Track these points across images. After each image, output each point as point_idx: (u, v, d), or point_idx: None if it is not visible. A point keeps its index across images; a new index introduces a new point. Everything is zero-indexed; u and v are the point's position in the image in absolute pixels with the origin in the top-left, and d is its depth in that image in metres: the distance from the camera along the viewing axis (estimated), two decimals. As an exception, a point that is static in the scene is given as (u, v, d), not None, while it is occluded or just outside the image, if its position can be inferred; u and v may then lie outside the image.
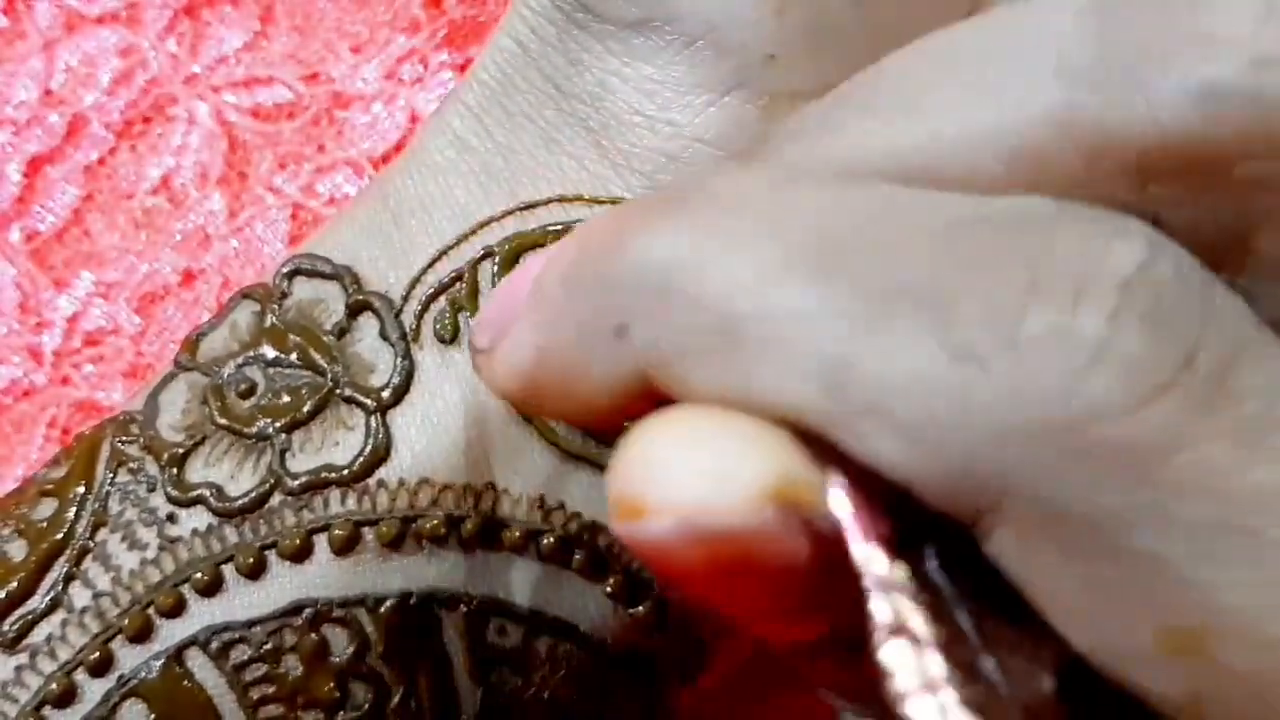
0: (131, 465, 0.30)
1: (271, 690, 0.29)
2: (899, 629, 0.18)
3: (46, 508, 0.30)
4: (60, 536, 0.30)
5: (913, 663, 0.18)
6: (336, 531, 0.29)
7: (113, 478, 0.30)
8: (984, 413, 0.18)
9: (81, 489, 0.30)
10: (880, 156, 0.21)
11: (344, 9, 0.42)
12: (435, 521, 0.29)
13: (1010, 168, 0.20)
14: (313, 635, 0.29)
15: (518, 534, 0.29)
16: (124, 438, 0.30)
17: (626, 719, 0.31)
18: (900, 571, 0.19)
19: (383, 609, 0.29)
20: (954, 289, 0.18)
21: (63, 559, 0.29)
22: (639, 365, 0.20)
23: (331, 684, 0.29)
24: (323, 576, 0.29)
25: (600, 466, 0.30)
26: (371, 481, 0.29)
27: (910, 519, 0.19)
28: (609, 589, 0.30)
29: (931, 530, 0.19)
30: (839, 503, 0.19)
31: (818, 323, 0.19)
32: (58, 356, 0.41)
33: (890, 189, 0.20)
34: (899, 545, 0.19)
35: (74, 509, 0.30)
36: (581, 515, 0.30)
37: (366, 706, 0.29)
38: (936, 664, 0.18)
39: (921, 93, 0.21)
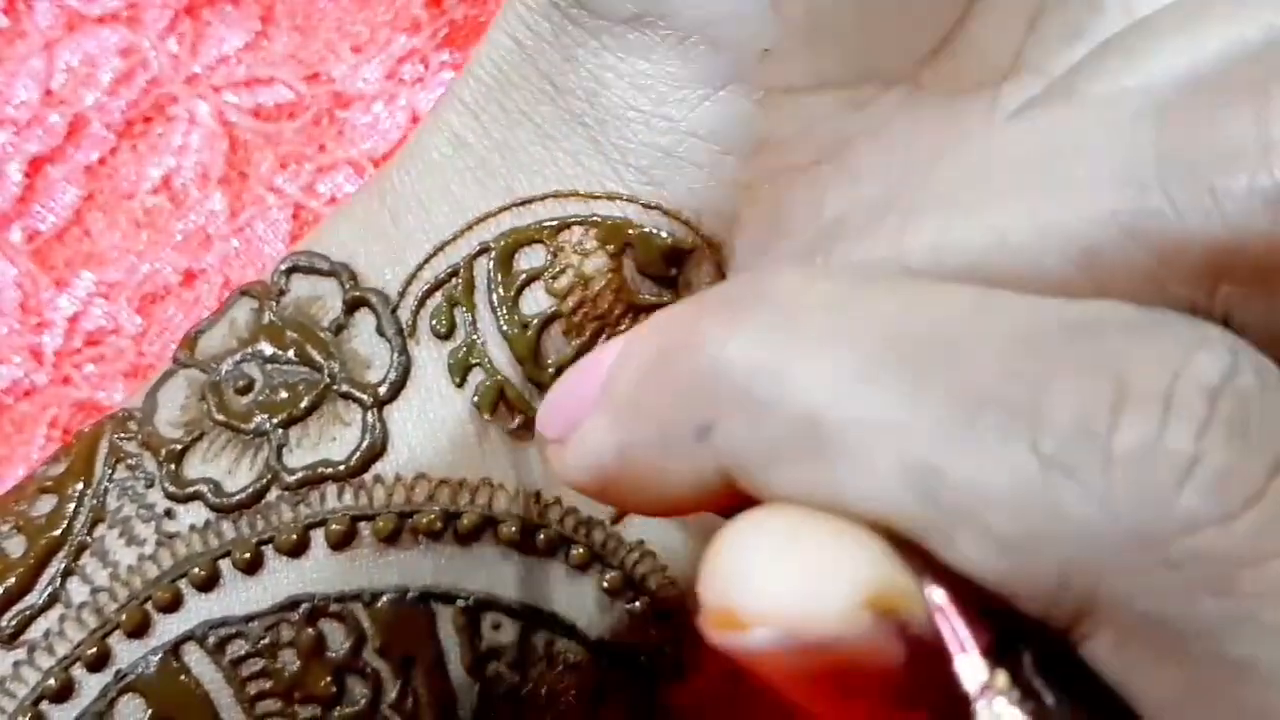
0: (130, 461, 0.30)
1: (268, 685, 0.29)
2: None
3: (45, 504, 0.30)
4: (59, 532, 0.30)
5: None
6: (333, 527, 0.29)
7: (111, 474, 0.30)
8: (1078, 523, 0.18)
9: (80, 485, 0.30)
10: (948, 256, 0.21)
11: (345, 9, 0.42)
12: (431, 517, 0.29)
13: (1080, 269, 0.21)
14: (309, 630, 0.29)
15: (513, 529, 0.30)
16: (122, 434, 0.31)
17: (622, 715, 0.31)
18: (1001, 679, 0.19)
19: (379, 604, 0.29)
20: (1042, 398, 0.19)
21: (61, 555, 0.29)
22: (721, 466, 0.20)
23: (328, 679, 0.29)
24: (319, 572, 0.29)
25: None
26: (368, 477, 0.29)
27: (1005, 621, 0.19)
28: (605, 584, 0.30)
29: (1027, 632, 0.19)
30: (937, 610, 0.19)
31: (906, 429, 0.19)
32: (58, 356, 0.41)
33: (967, 290, 0.20)
34: (996, 649, 0.19)
35: (72, 505, 0.30)
36: (577, 511, 0.30)
37: (363, 702, 0.29)
38: None
39: (984, 193, 0.22)
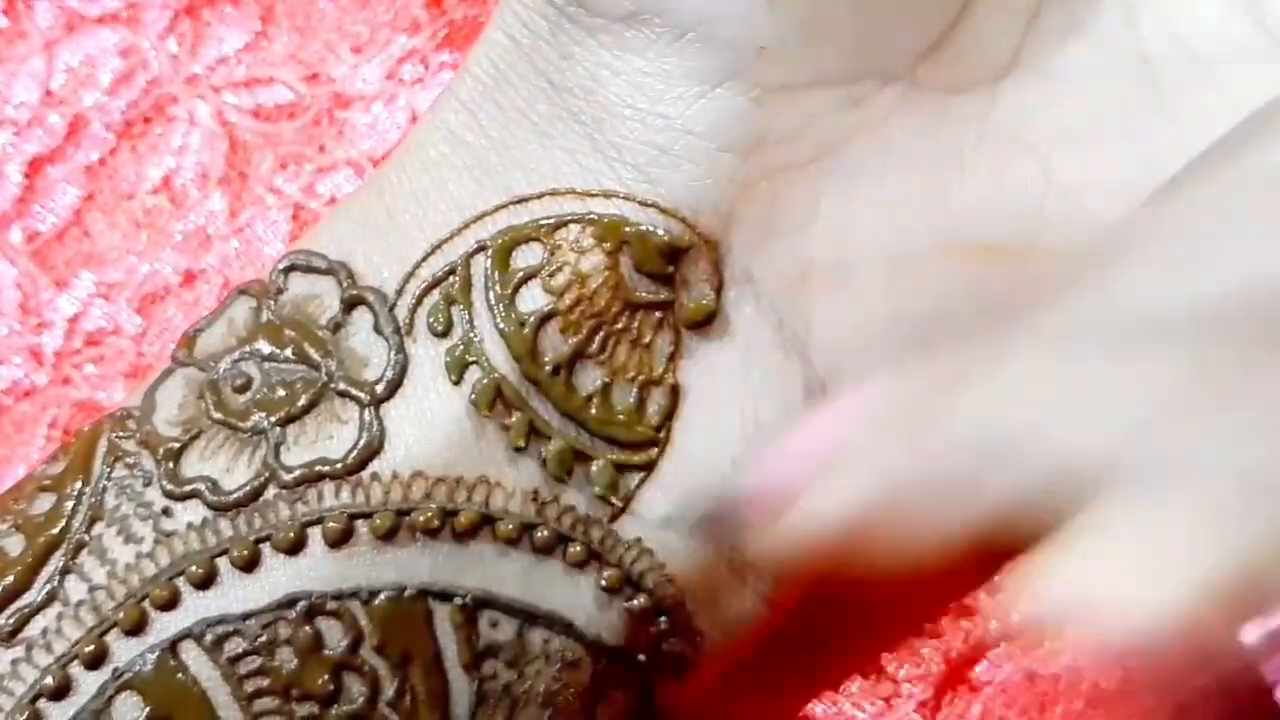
0: (128, 460, 0.30)
1: (266, 683, 0.29)
2: None
3: (44, 502, 0.30)
4: (57, 531, 0.30)
5: None
6: (330, 524, 0.29)
7: (110, 472, 0.30)
8: None
9: (79, 484, 0.30)
10: (1187, 306, 0.22)
11: (345, 9, 0.42)
12: (429, 514, 0.29)
13: None
14: (306, 628, 0.29)
15: (511, 527, 0.30)
16: (121, 433, 0.31)
17: (620, 714, 0.31)
18: None
19: (376, 602, 0.29)
20: None
21: (59, 553, 0.29)
22: (993, 516, 0.21)
23: (325, 677, 0.29)
24: (316, 569, 0.29)
25: (590, 460, 0.30)
26: (365, 474, 0.29)
27: None
28: (604, 583, 0.30)
29: None
30: (1260, 634, 0.20)
31: (1207, 474, 0.19)
32: (58, 357, 0.41)
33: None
34: None
35: (71, 503, 0.30)
36: (575, 509, 0.30)
37: (360, 700, 0.29)
38: None
39: (1218, 238, 0.22)
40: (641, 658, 0.31)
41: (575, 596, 0.30)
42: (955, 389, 0.21)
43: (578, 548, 0.30)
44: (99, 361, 0.41)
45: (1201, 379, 0.20)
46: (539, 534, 0.30)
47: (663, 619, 0.30)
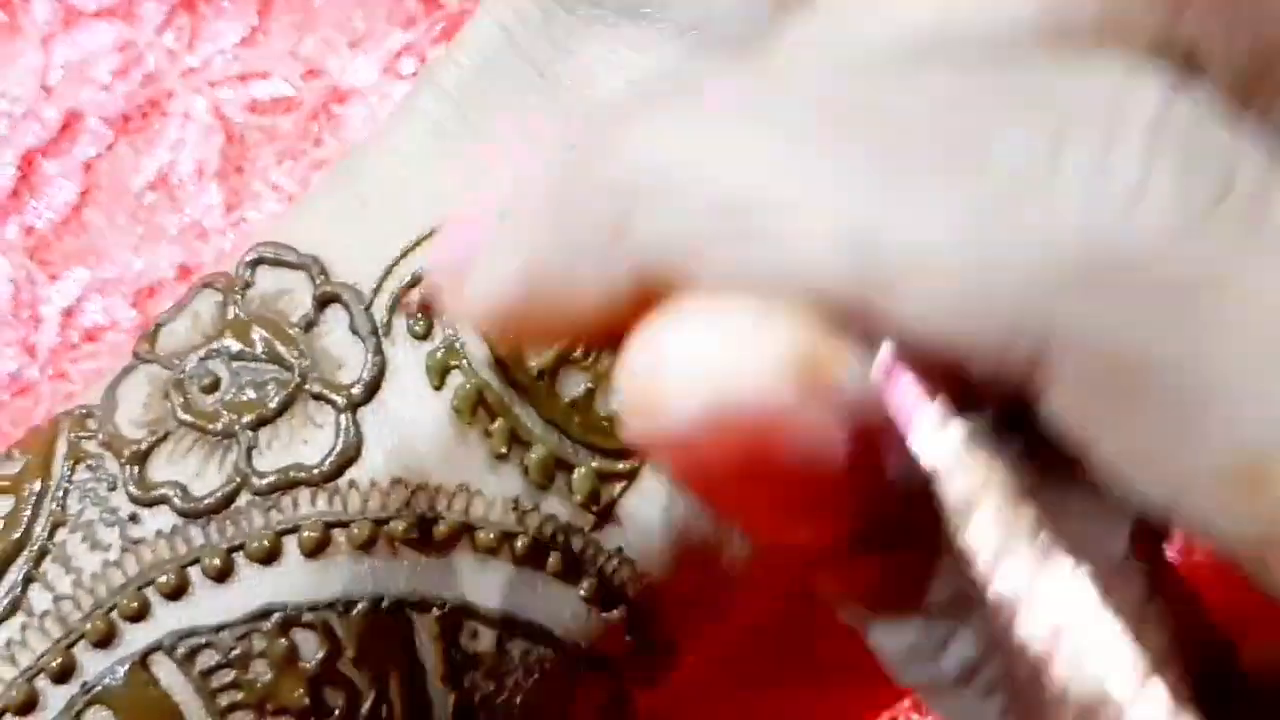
0: (90, 463, 0.29)
1: (240, 697, 0.28)
2: (973, 487, 0.18)
3: (2, 505, 0.29)
4: (18, 536, 0.29)
5: (996, 522, 0.18)
6: (307, 533, 0.28)
7: (71, 475, 0.29)
8: (1025, 261, 0.17)
9: (38, 486, 0.29)
10: (894, 34, 0.20)
11: (341, 4, 0.42)
12: (408, 523, 0.28)
13: (1032, 31, 0.20)
14: (282, 640, 0.28)
15: (491, 536, 0.29)
16: (81, 433, 0.29)
17: (592, 716, 0.31)
18: (956, 430, 0.18)
19: (354, 613, 0.28)
20: (979, 140, 0.18)
21: (21, 559, 0.28)
22: (640, 265, 0.19)
23: (301, 690, 0.28)
24: (292, 580, 0.28)
25: (572, 467, 0.29)
26: (342, 482, 0.28)
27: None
28: (583, 593, 0.29)
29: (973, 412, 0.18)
30: (879, 366, 0.18)
31: (838, 192, 0.18)
32: (53, 352, 0.40)
33: (891, 67, 0.20)
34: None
35: (30, 508, 0.29)
36: (557, 518, 0.29)
37: (337, 713, 0.28)
38: (1026, 519, 0.18)
39: None
40: (619, 665, 0.30)
41: (555, 606, 0.29)
42: (626, 124, 0.20)
43: (558, 557, 0.29)
44: (94, 357, 0.41)
45: (836, 109, 0.19)
46: (519, 543, 0.29)
47: (641, 628, 0.30)
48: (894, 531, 0.19)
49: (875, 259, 0.18)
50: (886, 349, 0.18)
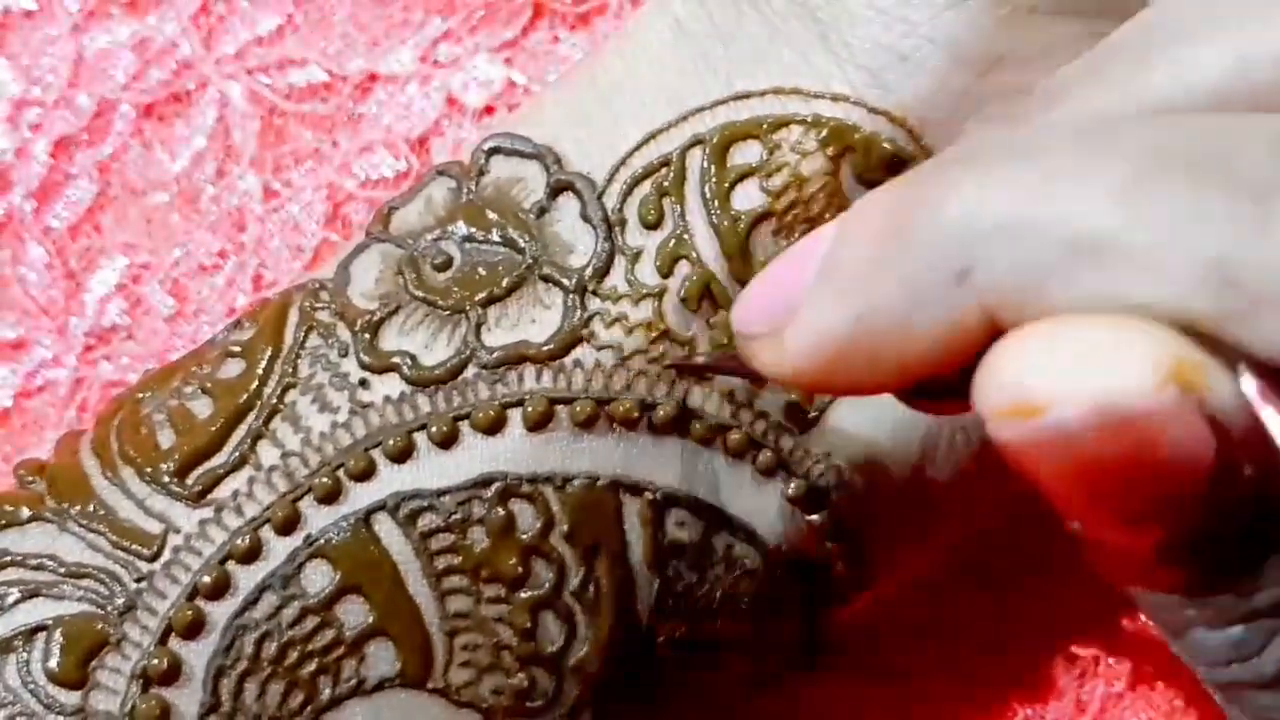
0: (322, 330, 0.30)
1: (457, 561, 0.29)
2: None
3: (233, 367, 0.30)
4: (248, 395, 0.30)
5: None
6: (531, 407, 0.29)
7: (303, 341, 0.30)
8: None
9: (269, 351, 0.30)
10: (1187, 89, 0.22)
11: (379, -10, 0.42)
12: (628, 405, 0.29)
13: None
14: (500, 509, 0.29)
15: (706, 426, 0.30)
16: (314, 303, 0.31)
17: (791, 628, 0.31)
18: None
19: (570, 489, 0.29)
20: None
21: (250, 417, 0.29)
22: (984, 304, 0.21)
23: (515, 559, 0.29)
24: (514, 451, 0.29)
25: None
26: (568, 360, 0.29)
27: None
28: (790, 493, 0.30)
29: None
30: (1249, 384, 0.20)
31: (1195, 226, 0.19)
32: (88, 338, 0.40)
33: (1214, 114, 0.21)
34: None
35: (262, 368, 0.30)
36: (768, 415, 0.30)
37: (547, 586, 0.29)
38: None
39: (1217, 22, 0.22)
40: (815, 574, 0.31)
41: (761, 503, 0.30)
42: (957, 176, 0.21)
43: (768, 455, 0.30)
44: (129, 341, 0.41)
45: (1175, 150, 0.20)
46: (732, 437, 0.30)
47: (840, 538, 0.31)
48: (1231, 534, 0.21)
49: (1236, 288, 0.19)
50: (1246, 366, 0.20)
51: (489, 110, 0.41)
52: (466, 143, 0.41)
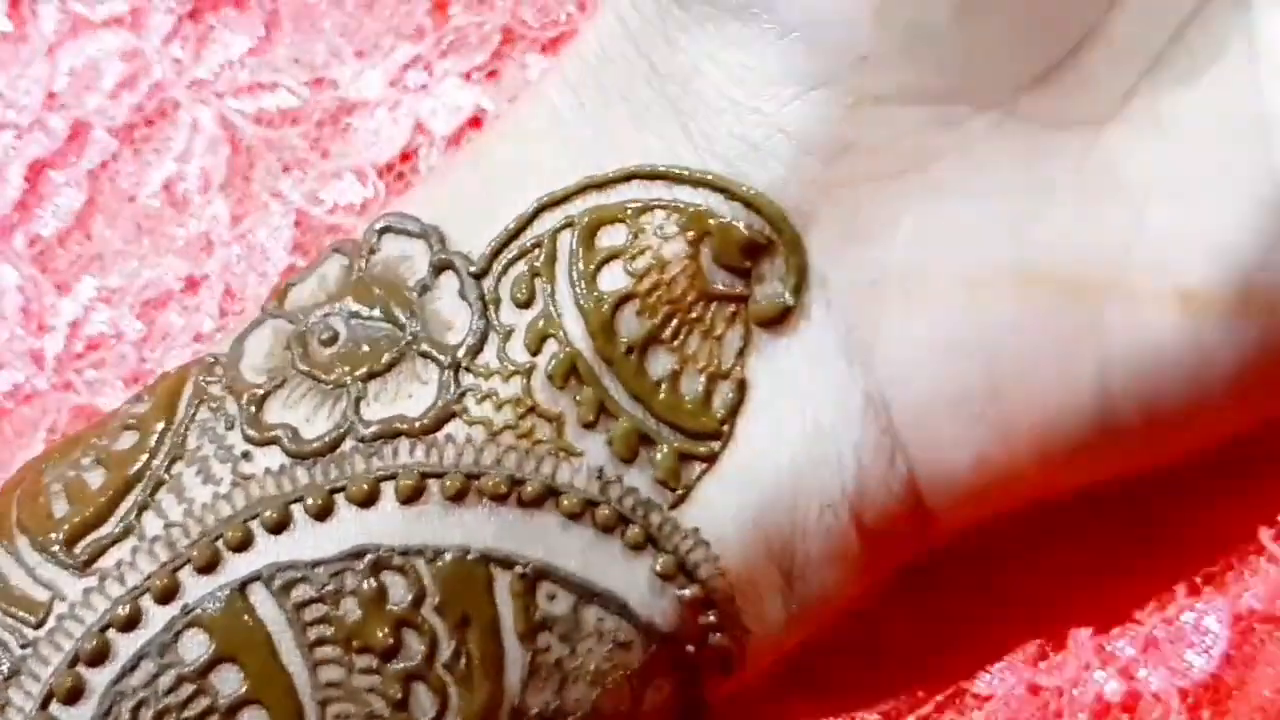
0: (212, 404, 0.31)
1: (329, 632, 0.29)
2: None
3: (127, 439, 0.31)
4: (138, 467, 0.31)
5: None
6: (404, 481, 0.30)
7: (194, 414, 0.31)
8: None
9: (162, 424, 0.31)
10: None
11: (349, 14, 0.42)
12: (497, 480, 0.30)
13: None
14: (372, 580, 0.29)
15: (574, 501, 0.30)
16: (207, 377, 0.32)
17: (666, 702, 0.32)
18: None
19: (441, 561, 0.30)
20: None
21: (139, 488, 0.30)
22: None
23: (386, 630, 0.29)
24: (386, 524, 0.30)
25: (655, 444, 0.30)
26: (440, 435, 0.30)
27: None
28: (659, 568, 0.31)
29: None
30: None
31: None
32: (60, 362, 0.41)
33: None
34: None
35: (153, 441, 0.31)
36: (637, 491, 0.31)
37: (419, 658, 0.29)
38: None
39: None
40: (690, 648, 0.31)
41: (631, 578, 0.31)
42: None
43: (637, 530, 0.31)
44: (100, 366, 0.41)
45: None
46: (601, 512, 0.30)
47: (712, 612, 0.31)
48: None
49: None
50: None
51: (457, 137, 0.41)
52: (435, 169, 0.41)
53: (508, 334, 0.31)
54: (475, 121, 0.41)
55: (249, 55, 0.42)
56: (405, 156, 0.42)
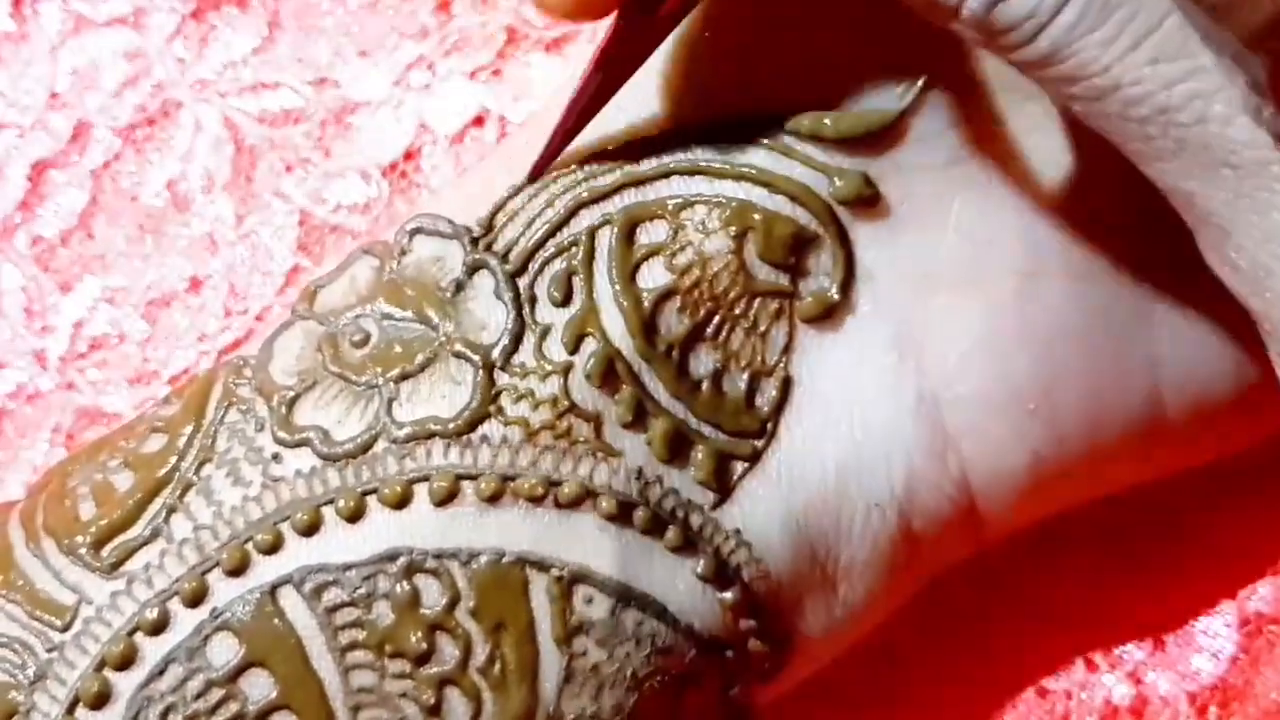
0: (242, 406, 0.31)
1: (361, 636, 0.29)
2: None
3: (155, 442, 0.31)
4: (166, 470, 0.30)
5: None
6: (437, 483, 0.30)
7: (223, 417, 0.31)
8: None
9: (190, 427, 0.31)
10: None
11: (352, 14, 0.42)
12: (533, 482, 0.30)
13: None
14: (405, 584, 0.29)
15: (611, 504, 0.30)
16: (236, 379, 0.31)
17: (706, 707, 0.32)
18: None
19: (476, 565, 0.29)
20: None
21: (167, 491, 0.30)
22: None
23: (419, 635, 0.29)
24: (420, 526, 0.29)
25: (695, 444, 0.30)
26: (475, 436, 0.30)
27: None
28: (699, 570, 0.30)
29: None
30: None
31: None
32: (63, 362, 0.41)
33: None
34: None
35: (182, 443, 0.31)
36: (678, 492, 0.30)
37: (452, 662, 0.29)
38: None
39: None
40: (730, 654, 0.31)
41: (671, 581, 0.30)
42: None
43: (677, 531, 0.30)
44: (103, 366, 0.41)
45: None
46: (639, 514, 0.30)
47: (754, 616, 0.31)
48: None
49: None
50: None
51: (461, 136, 0.41)
52: (438, 169, 0.41)
53: (545, 333, 0.31)
54: (479, 121, 0.41)
55: (252, 55, 0.42)
56: (409, 156, 0.42)
